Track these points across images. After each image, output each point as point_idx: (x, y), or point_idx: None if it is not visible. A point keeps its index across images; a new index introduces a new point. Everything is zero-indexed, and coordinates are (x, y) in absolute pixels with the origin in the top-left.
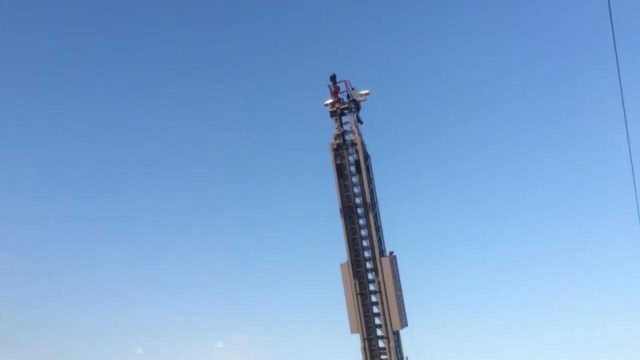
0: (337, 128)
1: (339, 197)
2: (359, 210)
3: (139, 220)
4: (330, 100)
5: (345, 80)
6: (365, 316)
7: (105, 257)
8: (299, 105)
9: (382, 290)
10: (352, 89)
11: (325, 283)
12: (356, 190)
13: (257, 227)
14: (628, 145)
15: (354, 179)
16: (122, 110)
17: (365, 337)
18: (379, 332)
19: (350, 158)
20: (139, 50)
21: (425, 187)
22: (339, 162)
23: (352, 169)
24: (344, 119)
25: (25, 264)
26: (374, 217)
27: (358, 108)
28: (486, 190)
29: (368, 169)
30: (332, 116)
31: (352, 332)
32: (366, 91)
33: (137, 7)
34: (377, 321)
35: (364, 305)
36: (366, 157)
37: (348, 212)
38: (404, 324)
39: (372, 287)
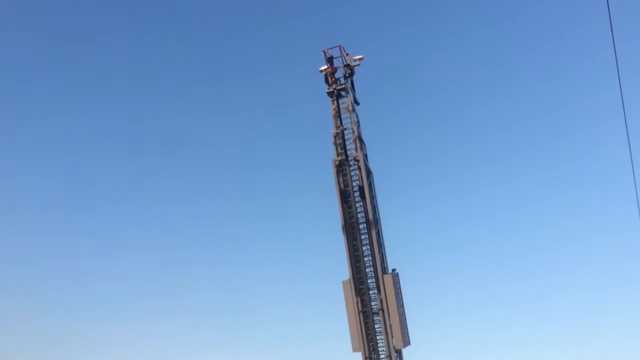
0: (334, 109)
1: (341, 214)
2: (361, 227)
3: (139, 232)
4: (325, 67)
5: (339, 45)
6: (367, 334)
7: (106, 268)
8: (301, 121)
9: (385, 308)
10: (347, 54)
11: (327, 300)
12: (358, 206)
13: (258, 242)
14: (628, 145)
15: (356, 195)
16: (125, 121)
17: (367, 355)
18: (381, 351)
19: (353, 174)
20: (142, 57)
21: (429, 202)
22: (342, 186)
23: (354, 185)
24: (340, 100)
25: (29, 277)
26: (376, 233)
27: (352, 73)
28: (490, 206)
29: (370, 185)
30: (329, 96)
31: (354, 350)
32: (360, 56)
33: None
34: (380, 339)
35: (366, 323)
36: (369, 173)
37: (350, 228)
38: (406, 342)
39: (374, 305)
